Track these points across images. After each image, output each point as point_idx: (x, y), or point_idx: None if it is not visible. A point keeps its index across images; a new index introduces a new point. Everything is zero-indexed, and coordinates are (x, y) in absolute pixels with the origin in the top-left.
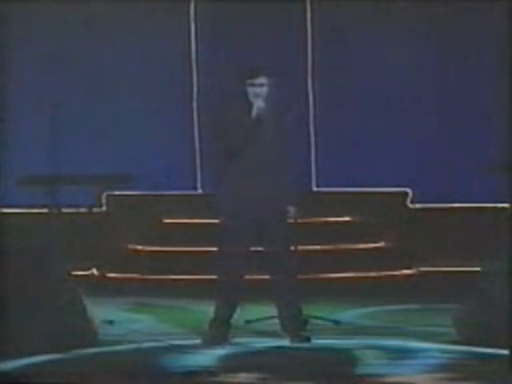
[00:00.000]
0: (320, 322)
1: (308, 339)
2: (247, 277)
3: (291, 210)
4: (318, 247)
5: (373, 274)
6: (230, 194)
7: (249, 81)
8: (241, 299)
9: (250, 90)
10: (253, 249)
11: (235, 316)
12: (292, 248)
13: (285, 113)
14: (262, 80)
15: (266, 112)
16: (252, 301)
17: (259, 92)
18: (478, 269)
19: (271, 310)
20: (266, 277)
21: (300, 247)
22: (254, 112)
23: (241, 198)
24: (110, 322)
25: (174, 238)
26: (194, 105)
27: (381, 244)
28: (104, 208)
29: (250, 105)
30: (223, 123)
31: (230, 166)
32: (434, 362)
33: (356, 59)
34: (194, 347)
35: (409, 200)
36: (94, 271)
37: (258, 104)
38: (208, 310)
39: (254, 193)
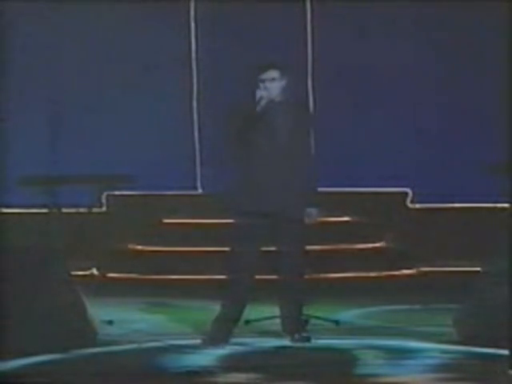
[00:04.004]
0: (320, 321)
1: (308, 339)
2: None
3: (313, 211)
4: (317, 247)
5: (373, 274)
6: (243, 192)
7: (260, 76)
8: (250, 299)
9: (261, 85)
10: (263, 249)
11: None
12: (303, 248)
13: (298, 110)
14: (274, 74)
15: (280, 109)
16: (252, 301)
17: (270, 87)
18: (478, 269)
19: (271, 310)
20: (268, 277)
21: None
22: (267, 109)
23: (254, 196)
24: (110, 322)
25: (174, 238)
26: (194, 104)
27: (381, 244)
28: (104, 208)
29: (262, 101)
30: (235, 121)
31: (243, 164)
32: (433, 361)
33: (356, 58)
34: (194, 347)
35: (409, 200)
36: (94, 271)
37: (270, 100)
38: (208, 309)
39: (267, 191)
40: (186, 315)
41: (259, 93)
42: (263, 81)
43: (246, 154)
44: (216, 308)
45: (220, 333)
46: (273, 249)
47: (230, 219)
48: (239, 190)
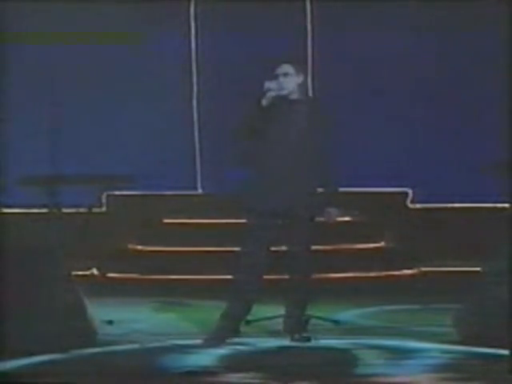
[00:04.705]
0: (320, 321)
1: (308, 339)
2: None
3: (332, 211)
4: (318, 247)
5: (373, 274)
6: (256, 191)
7: (274, 71)
8: (257, 299)
9: (274, 80)
10: (273, 248)
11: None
12: (310, 248)
13: (314, 108)
14: (287, 69)
15: (295, 106)
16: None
17: (284, 81)
18: (478, 269)
19: (271, 310)
20: (271, 277)
21: None
22: (280, 105)
23: (267, 194)
24: (110, 322)
25: (174, 237)
26: (194, 104)
27: (381, 244)
28: (104, 208)
29: (269, 93)
30: (245, 117)
31: (255, 162)
32: (433, 361)
33: (356, 58)
34: (195, 347)
35: (409, 200)
36: (94, 271)
37: (282, 96)
38: (209, 309)
39: (280, 190)
40: (187, 315)
41: (267, 84)
42: (276, 76)
43: (257, 151)
44: (216, 308)
45: (224, 331)
46: (280, 249)
47: (242, 219)
48: (251, 188)
